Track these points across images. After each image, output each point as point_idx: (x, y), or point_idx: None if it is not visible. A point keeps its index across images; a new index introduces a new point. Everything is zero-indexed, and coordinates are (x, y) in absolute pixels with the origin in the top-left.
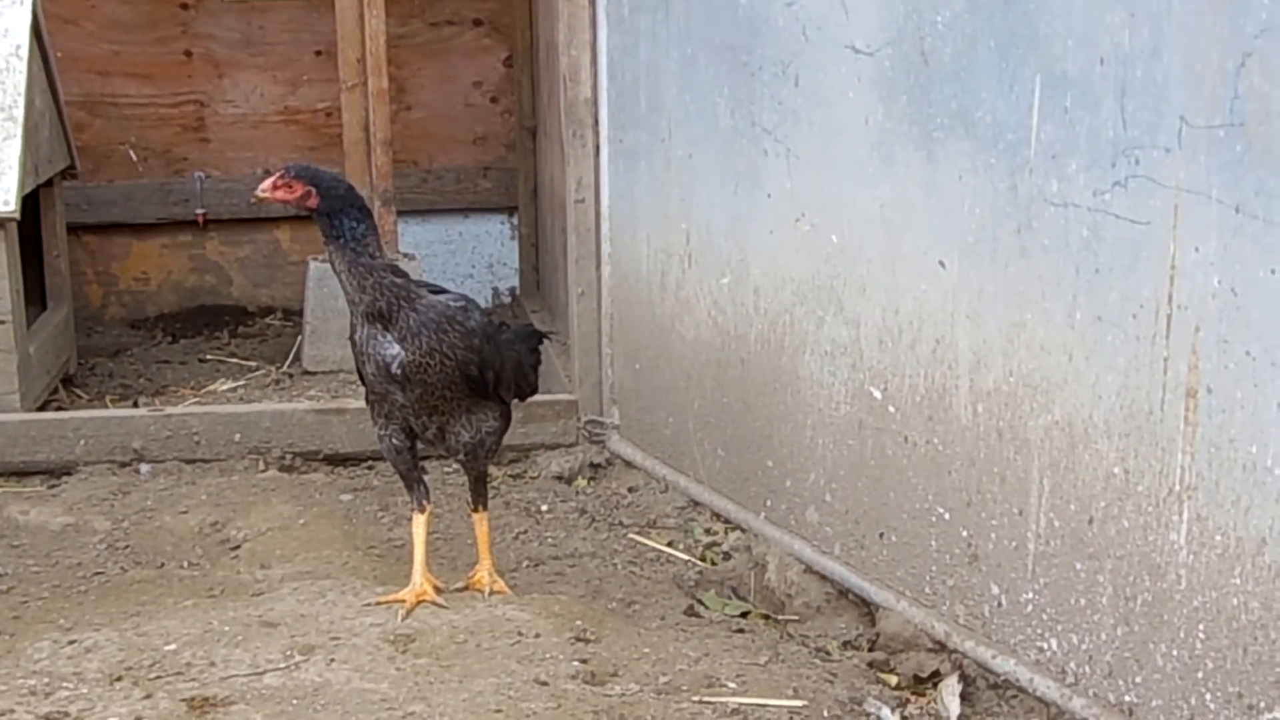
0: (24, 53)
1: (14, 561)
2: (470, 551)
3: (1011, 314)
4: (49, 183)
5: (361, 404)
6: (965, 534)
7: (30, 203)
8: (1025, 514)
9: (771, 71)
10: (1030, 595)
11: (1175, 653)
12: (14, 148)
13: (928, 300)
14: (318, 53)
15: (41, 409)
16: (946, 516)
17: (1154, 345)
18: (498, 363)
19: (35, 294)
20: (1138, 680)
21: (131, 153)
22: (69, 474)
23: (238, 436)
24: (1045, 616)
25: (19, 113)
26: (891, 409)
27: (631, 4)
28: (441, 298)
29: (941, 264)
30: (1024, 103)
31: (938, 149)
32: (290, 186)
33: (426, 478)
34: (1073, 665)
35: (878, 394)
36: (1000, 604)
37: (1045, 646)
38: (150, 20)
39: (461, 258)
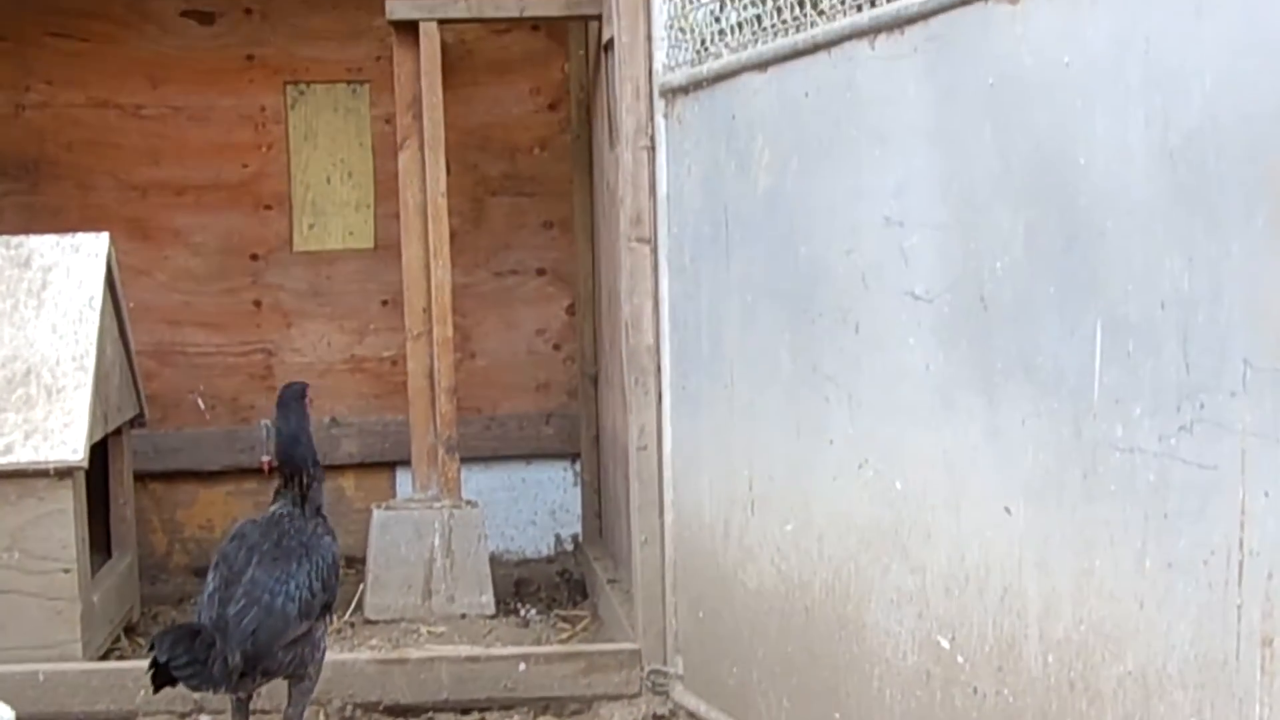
0: (97, 303)
1: None
2: None
3: (1080, 560)
4: (117, 431)
5: (425, 654)
6: None
7: (98, 451)
8: None
9: (832, 318)
10: None
11: None
12: (84, 397)
13: (994, 547)
14: (384, 302)
15: (104, 658)
16: None
17: (1226, 592)
18: None
19: (100, 542)
20: None
21: (200, 401)
22: None
23: None
24: None
25: (90, 362)
26: (960, 659)
27: (693, 253)
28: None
29: (1007, 510)
30: (1086, 348)
31: (1000, 394)
32: None
33: None
34: None
35: (945, 643)
36: None
37: None
38: (221, 271)
39: (524, 504)
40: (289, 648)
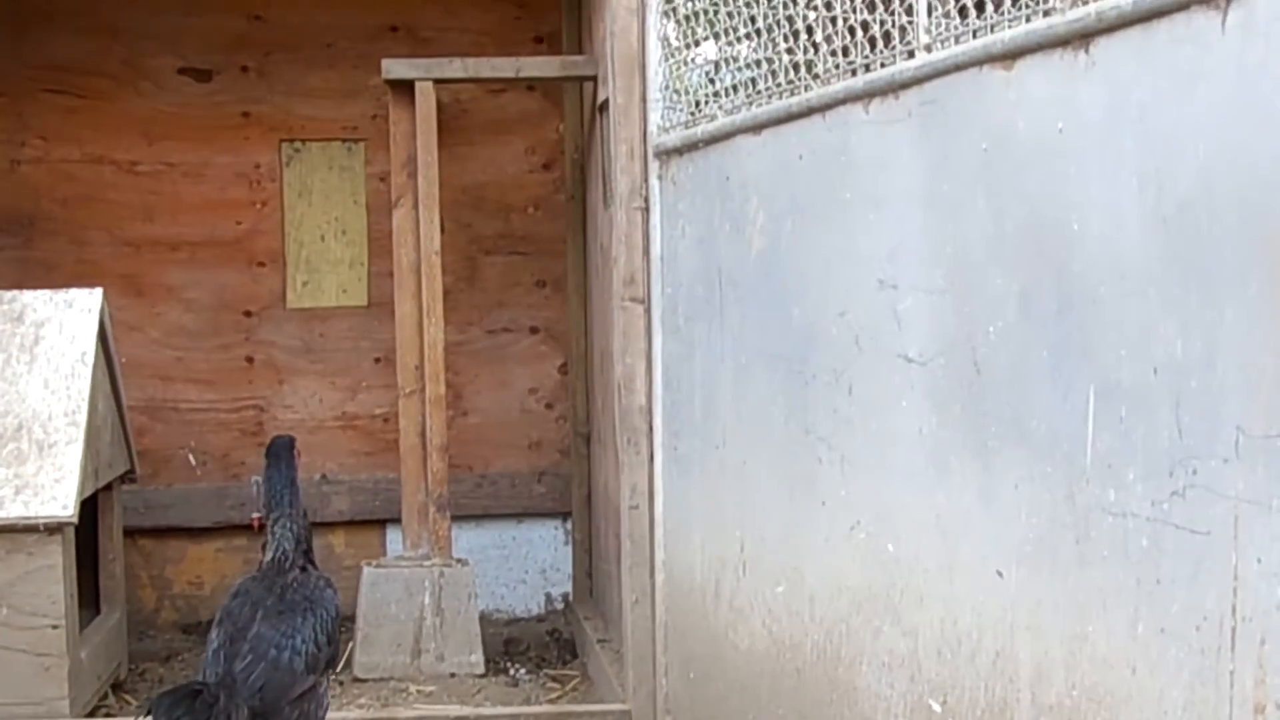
0: (89, 359)
1: None
2: None
3: (1072, 625)
4: (108, 487)
5: (414, 714)
6: None
7: (89, 507)
8: None
9: (825, 380)
10: None
11: None
12: (75, 453)
13: (986, 610)
14: (377, 359)
15: (91, 715)
16: None
17: (1219, 658)
18: None
19: (89, 598)
20: None
21: (191, 457)
22: None
23: None
24: None
25: (82, 418)
26: None
27: (686, 314)
28: None
29: (999, 573)
30: (1079, 412)
31: (993, 458)
32: None
33: None
34: None
35: (937, 707)
36: None
37: None
38: (214, 327)
39: (515, 563)
40: (295, 704)
